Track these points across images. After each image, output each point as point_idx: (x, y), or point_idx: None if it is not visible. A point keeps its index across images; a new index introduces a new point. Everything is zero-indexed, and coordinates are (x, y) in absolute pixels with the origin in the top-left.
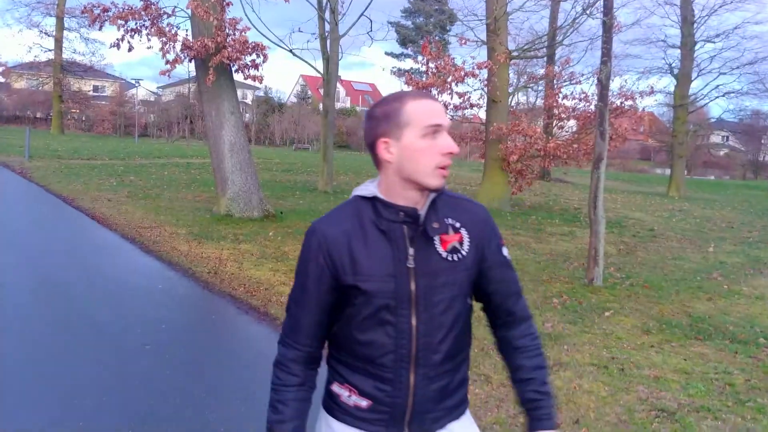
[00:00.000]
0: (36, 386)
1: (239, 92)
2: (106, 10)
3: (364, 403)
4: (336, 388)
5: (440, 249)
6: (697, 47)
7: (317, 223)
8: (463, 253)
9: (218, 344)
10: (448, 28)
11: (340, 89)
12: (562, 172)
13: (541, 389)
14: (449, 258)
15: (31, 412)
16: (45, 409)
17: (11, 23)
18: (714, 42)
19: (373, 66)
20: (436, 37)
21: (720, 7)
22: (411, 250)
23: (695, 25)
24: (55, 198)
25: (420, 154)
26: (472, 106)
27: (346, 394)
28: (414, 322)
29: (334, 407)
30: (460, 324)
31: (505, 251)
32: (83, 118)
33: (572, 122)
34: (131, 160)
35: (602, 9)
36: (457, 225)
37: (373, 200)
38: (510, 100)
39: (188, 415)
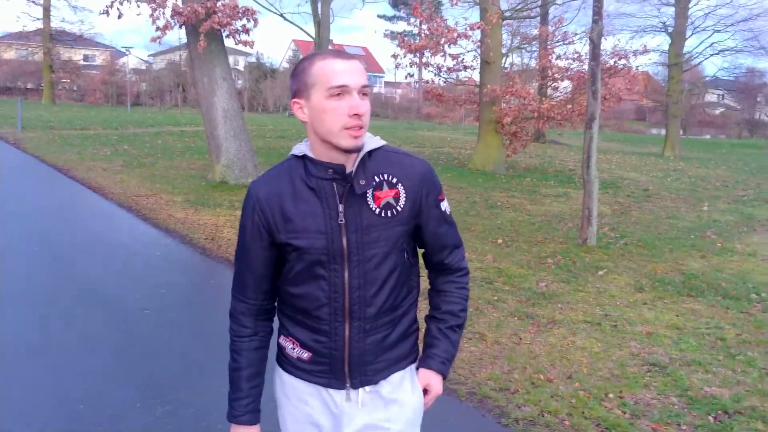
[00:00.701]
0: (38, 351)
1: (231, 59)
2: None
3: (305, 354)
4: (282, 340)
5: (373, 205)
6: (691, 4)
7: (253, 183)
8: (398, 208)
9: (216, 307)
10: None
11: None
12: (557, 133)
13: (444, 331)
14: (382, 214)
15: (34, 375)
16: (48, 373)
17: None
18: None
19: (365, 29)
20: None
21: None
22: (341, 207)
23: None
24: (50, 168)
25: (326, 115)
26: (465, 68)
27: (290, 347)
28: (347, 276)
29: (283, 359)
30: (395, 278)
31: (443, 206)
32: (74, 88)
33: (566, 83)
34: (124, 129)
35: None
36: (394, 181)
37: (304, 158)
38: (503, 61)
39: (189, 375)
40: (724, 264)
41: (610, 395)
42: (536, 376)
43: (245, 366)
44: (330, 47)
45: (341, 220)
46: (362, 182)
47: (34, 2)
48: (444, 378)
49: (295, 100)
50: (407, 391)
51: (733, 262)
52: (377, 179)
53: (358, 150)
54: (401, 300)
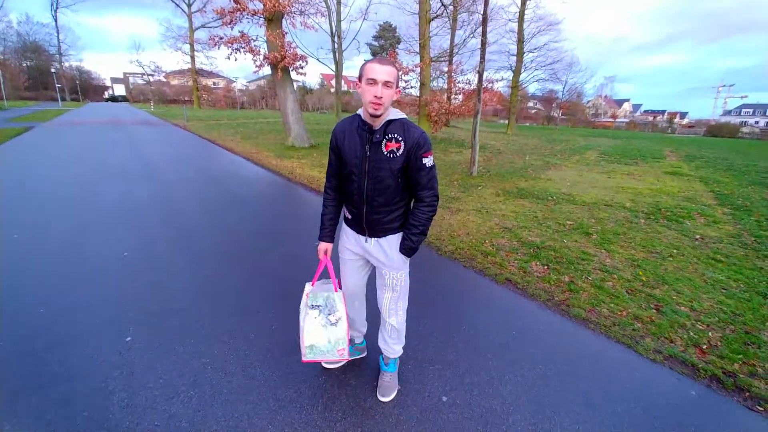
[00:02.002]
0: (205, 231)
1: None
2: (220, 37)
3: (349, 216)
4: (344, 209)
5: (384, 150)
6: (524, 56)
7: (337, 124)
8: (398, 154)
9: (295, 207)
10: (397, 45)
11: (342, 80)
12: (454, 123)
13: (411, 230)
14: (388, 155)
15: (188, 273)
16: (198, 268)
17: (166, 48)
18: (533, 52)
19: (357, 67)
20: (393, 50)
21: (538, 32)
22: (367, 147)
23: (524, 43)
24: (205, 140)
25: (363, 93)
26: (412, 87)
27: (345, 211)
28: (365, 184)
29: (344, 219)
30: (391, 190)
31: (425, 160)
32: (210, 99)
33: (460, 96)
34: (237, 120)
35: (480, 35)
36: (400, 139)
37: (359, 116)
38: (431, 83)
39: (279, 249)
40: (536, 184)
41: (486, 241)
42: (452, 233)
43: (327, 213)
44: (341, 79)
45: (367, 154)
46: (378, 137)
47: (185, 53)
48: (408, 255)
49: (357, 82)
50: (393, 247)
51: (540, 182)
52: (389, 136)
53: (377, 117)
54: (394, 202)
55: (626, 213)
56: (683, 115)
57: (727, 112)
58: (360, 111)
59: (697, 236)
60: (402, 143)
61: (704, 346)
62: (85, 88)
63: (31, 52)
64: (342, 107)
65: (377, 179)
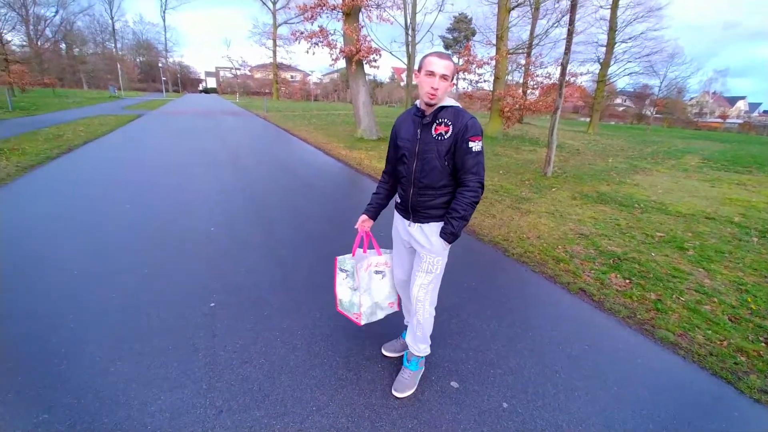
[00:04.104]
0: (279, 206)
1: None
2: (301, 32)
3: (399, 199)
4: (396, 195)
5: (433, 132)
6: (616, 46)
7: (399, 115)
8: (446, 137)
9: (362, 196)
10: (472, 37)
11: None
12: (528, 119)
13: (452, 214)
14: (437, 138)
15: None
16: (275, 247)
17: (252, 44)
18: (627, 42)
19: None
20: (468, 43)
21: (634, 20)
22: (419, 130)
23: (617, 32)
24: (281, 130)
25: (421, 82)
26: (485, 81)
27: (397, 197)
28: (414, 165)
29: (395, 205)
30: (437, 172)
31: (471, 144)
32: (287, 91)
33: (537, 91)
34: (311, 112)
35: (568, 22)
36: (449, 123)
37: (415, 106)
38: (506, 77)
39: (346, 234)
40: (620, 189)
41: (559, 247)
42: (521, 235)
43: (377, 193)
44: (413, 72)
45: (418, 136)
46: (428, 120)
47: (268, 48)
48: (448, 241)
49: (416, 72)
50: (435, 234)
51: (625, 188)
52: (439, 120)
53: (431, 106)
54: (439, 186)
55: (734, 229)
56: None
57: None
58: (417, 102)
59: None
60: (451, 127)
61: None
62: (184, 81)
63: (144, 48)
64: (412, 101)
65: (425, 160)
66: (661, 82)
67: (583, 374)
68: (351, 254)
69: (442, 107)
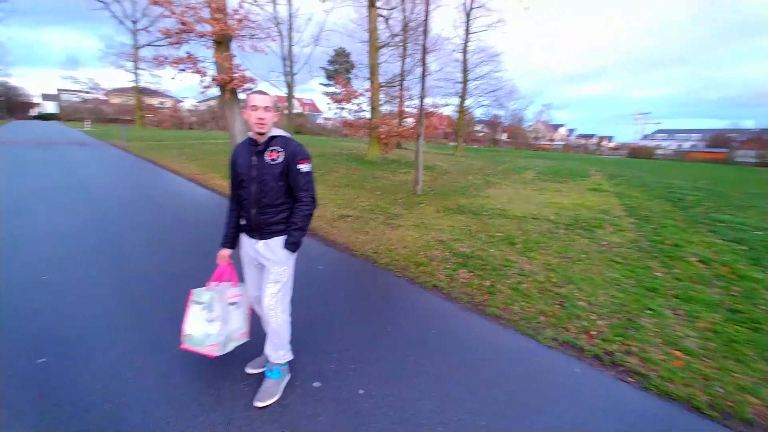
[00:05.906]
0: (155, 245)
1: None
2: (165, 57)
3: (243, 222)
4: (241, 217)
5: (267, 159)
6: (469, 84)
7: (235, 147)
8: (278, 161)
9: (217, 221)
10: (350, 70)
11: (296, 103)
12: (405, 145)
13: (292, 226)
14: (270, 162)
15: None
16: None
17: (107, 65)
18: (477, 80)
19: (313, 90)
20: (345, 75)
21: (480, 62)
22: (254, 158)
23: (469, 72)
24: (144, 161)
25: (249, 116)
26: (363, 110)
27: (242, 219)
28: (253, 188)
29: (241, 226)
30: (275, 190)
31: (300, 166)
32: (155, 119)
33: (410, 119)
34: (184, 141)
35: (422, 63)
36: (280, 149)
37: (249, 137)
38: (380, 107)
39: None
40: (475, 201)
41: (420, 253)
42: (390, 247)
43: (229, 222)
44: (295, 100)
45: (254, 163)
46: (261, 148)
47: (128, 71)
48: (291, 250)
49: (244, 110)
50: (279, 246)
51: (479, 200)
52: (271, 147)
53: (262, 135)
54: (278, 203)
55: (549, 225)
56: (610, 138)
57: (645, 137)
58: (250, 133)
59: (604, 242)
60: (282, 153)
61: (593, 333)
62: (11, 105)
63: None
64: (295, 129)
65: (262, 182)
66: (506, 113)
67: (429, 354)
68: (206, 286)
69: (273, 136)
